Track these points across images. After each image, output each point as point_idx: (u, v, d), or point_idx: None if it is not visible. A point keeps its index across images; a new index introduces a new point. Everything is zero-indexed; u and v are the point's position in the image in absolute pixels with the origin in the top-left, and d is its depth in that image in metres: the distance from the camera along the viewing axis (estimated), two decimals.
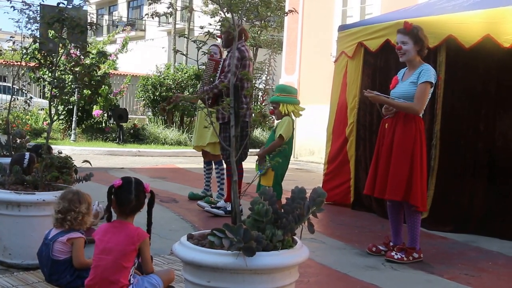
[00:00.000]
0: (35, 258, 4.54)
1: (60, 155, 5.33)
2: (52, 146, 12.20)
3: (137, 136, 18.14)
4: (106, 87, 17.79)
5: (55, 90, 5.25)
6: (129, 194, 3.90)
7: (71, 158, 5.34)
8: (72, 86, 5.85)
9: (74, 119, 16.82)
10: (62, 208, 4.35)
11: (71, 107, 17.01)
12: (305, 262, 3.21)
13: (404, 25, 5.57)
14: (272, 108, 6.58)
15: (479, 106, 6.89)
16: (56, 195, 4.74)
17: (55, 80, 5.16)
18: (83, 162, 5.35)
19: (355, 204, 8.20)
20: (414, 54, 5.52)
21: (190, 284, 3.14)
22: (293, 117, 6.48)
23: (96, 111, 17.83)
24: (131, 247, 3.88)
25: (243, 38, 7.25)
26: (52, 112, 5.29)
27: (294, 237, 3.23)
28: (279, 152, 6.12)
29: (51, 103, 5.42)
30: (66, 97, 15.29)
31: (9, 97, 11.94)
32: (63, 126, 18.01)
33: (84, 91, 15.27)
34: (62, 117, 17.64)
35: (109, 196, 3.95)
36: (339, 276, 5.09)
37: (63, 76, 6.48)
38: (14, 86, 7.81)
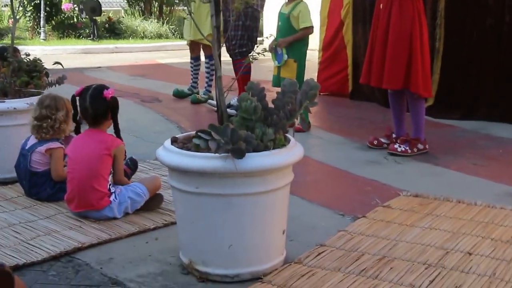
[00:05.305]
0: (12, 171, 4.60)
1: (28, 57, 5.27)
2: (21, 47, 12.05)
3: (113, 31, 17.86)
4: None
5: None
6: (84, 102, 4.04)
7: (41, 61, 5.28)
8: None
9: (42, 15, 16.51)
10: (38, 115, 4.40)
11: (38, 1, 16.66)
12: (302, 160, 3.24)
13: None
14: None
15: None
16: (28, 102, 4.75)
17: None
18: (54, 64, 5.29)
19: (354, 94, 8.19)
20: None
21: (177, 191, 3.19)
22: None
23: (66, 5, 17.48)
24: (105, 152, 4.00)
25: None
26: (16, 8, 5.19)
27: (286, 135, 3.25)
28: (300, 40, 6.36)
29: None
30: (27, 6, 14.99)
31: None
32: (30, 24, 17.70)
33: None
34: (28, 13, 17.32)
35: (74, 105, 4.10)
36: (338, 173, 5.16)
37: None
38: None
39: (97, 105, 4.03)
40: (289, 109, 3.08)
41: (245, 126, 3.06)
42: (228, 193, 3.03)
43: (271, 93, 6.58)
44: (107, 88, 4.10)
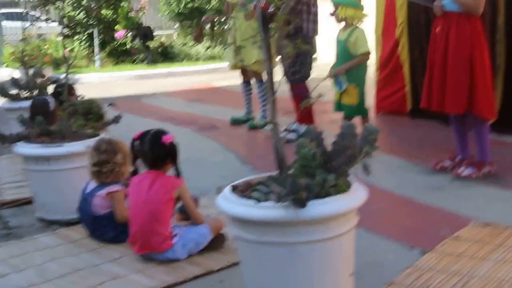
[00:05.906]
0: (74, 212, 4.65)
1: (84, 99, 5.34)
2: (78, 76, 12.19)
3: (167, 55, 18.09)
4: (125, 5, 17.69)
5: (66, 31, 5.21)
6: (143, 147, 4.09)
7: (96, 102, 5.34)
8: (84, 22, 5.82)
9: (96, 43, 16.77)
10: (97, 161, 4.44)
11: (91, 31, 16.94)
12: None
13: None
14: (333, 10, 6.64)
15: None
16: (85, 145, 4.80)
17: (64, 19, 5.11)
18: (108, 105, 5.35)
19: (414, 112, 8.03)
20: None
21: (239, 240, 3.16)
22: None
23: (119, 33, 17.75)
24: (167, 196, 4.00)
25: None
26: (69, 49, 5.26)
27: (348, 178, 3.18)
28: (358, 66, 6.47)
29: (65, 43, 5.39)
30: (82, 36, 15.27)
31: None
32: (86, 52, 18.00)
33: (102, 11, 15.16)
34: (83, 42, 17.62)
35: (132, 149, 4.18)
36: (403, 201, 5.07)
37: (73, 13, 6.34)
38: (28, 12, 7.75)
39: (157, 150, 4.07)
40: (349, 154, 3.02)
41: (305, 173, 3.01)
42: (291, 241, 2.98)
43: (331, 115, 6.62)
44: (165, 133, 4.13)
